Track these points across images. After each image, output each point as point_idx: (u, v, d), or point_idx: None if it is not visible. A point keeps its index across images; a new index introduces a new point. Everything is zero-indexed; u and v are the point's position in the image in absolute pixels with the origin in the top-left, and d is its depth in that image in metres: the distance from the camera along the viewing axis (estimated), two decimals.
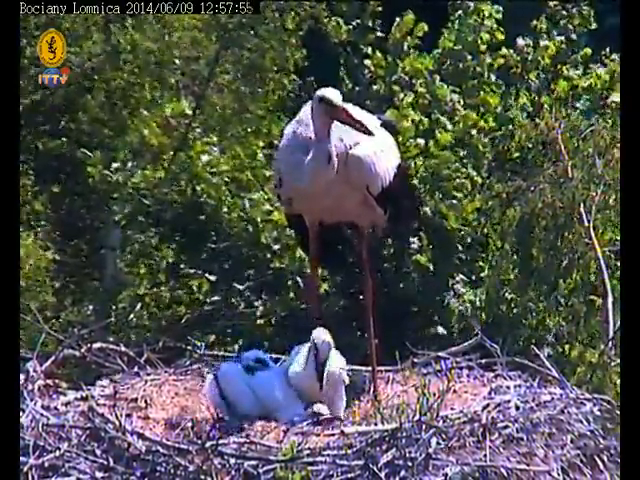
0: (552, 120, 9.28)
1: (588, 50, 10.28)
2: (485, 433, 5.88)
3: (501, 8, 10.24)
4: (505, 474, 5.76)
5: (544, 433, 6.06)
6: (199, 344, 7.32)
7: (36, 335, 7.14)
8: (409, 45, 10.15)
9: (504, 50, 10.14)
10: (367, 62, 10.23)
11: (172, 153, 10.07)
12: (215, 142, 9.92)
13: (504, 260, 9.06)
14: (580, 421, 6.22)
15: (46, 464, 5.86)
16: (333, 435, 5.94)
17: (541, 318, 8.95)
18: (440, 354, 7.11)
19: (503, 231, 9.15)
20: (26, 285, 10.18)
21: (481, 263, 9.38)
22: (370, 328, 6.77)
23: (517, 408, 6.14)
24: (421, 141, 9.37)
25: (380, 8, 10.62)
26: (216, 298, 9.54)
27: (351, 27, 10.55)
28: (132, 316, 9.83)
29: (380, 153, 6.52)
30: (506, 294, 9.05)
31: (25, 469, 5.82)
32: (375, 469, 5.65)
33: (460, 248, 9.38)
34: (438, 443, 5.77)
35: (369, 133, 6.36)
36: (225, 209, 9.42)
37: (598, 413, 6.32)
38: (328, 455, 5.72)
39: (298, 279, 9.35)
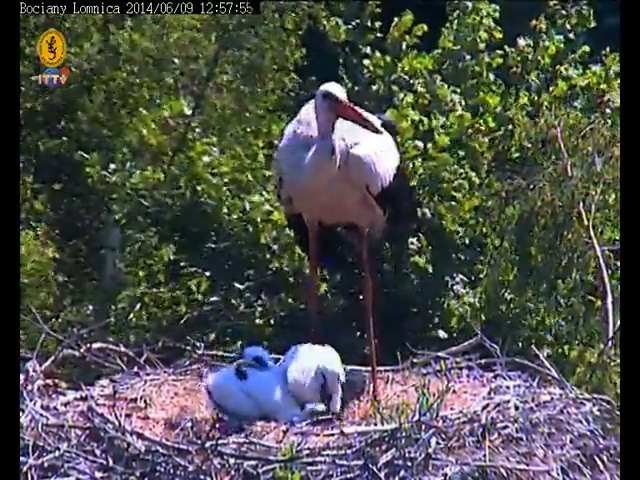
0: (551, 118, 9.28)
1: (586, 48, 10.28)
2: (485, 433, 5.88)
3: (498, 7, 10.24)
4: (505, 474, 5.76)
5: (544, 433, 6.06)
6: (198, 344, 7.31)
7: (36, 335, 7.14)
8: (408, 45, 10.15)
9: (499, 51, 10.13)
10: (366, 62, 10.23)
11: (171, 153, 10.06)
12: (215, 142, 9.92)
13: (503, 259, 9.06)
14: (580, 421, 6.23)
15: (46, 464, 5.86)
16: (332, 435, 5.94)
17: (540, 318, 8.95)
18: (440, 354, 7.11)
19: (502, 230, 9.15)
20: (29, 282, 10.20)
21: (480, 266, 9.37)
22: (370, 328, 6.76)
23: (517, 408, 6.15)
24: (419, 143, 9.36)
25: (379, 8, 10.61)
26: (216, 298, 9.53)
27: (350, 27, 10.54)
28: (131, 316, 9.82)
29: (380, 153, 6.52)
30: (505, 294, 9.05)
31: (25, 469, 5.82)
32: (375, 469, 5.65)
33: (459, 249, 9.37)
34: (438, 443, 5.77)
35: (375, 130, 6.36)
36: (225, 209, 9.42)
37: (598, 413, 6.33)
38: (327, 455, 5.73)
39: (298, 279, 9.35)
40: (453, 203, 9.24)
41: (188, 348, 7.27)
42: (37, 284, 10.48)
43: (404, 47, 10.15)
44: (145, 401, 6.60)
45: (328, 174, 6.31)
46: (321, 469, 5.67)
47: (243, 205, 9.41)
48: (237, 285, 9.46)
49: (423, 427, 5.78)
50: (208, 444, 5.72)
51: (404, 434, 5.74)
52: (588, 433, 6.18)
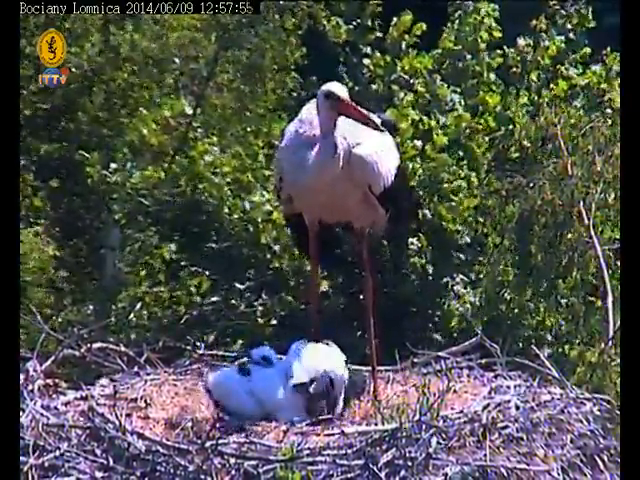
0: (551, 116, 9.27)
1: (588, 50, 10.28)
2: (485, 433, 5.88)
3: (497, 7, 10.24)
4: (505, 474, 5.76)
5: (544, 433, 6.06)
6: (199, 344, 7.32)
7: (36, 335, 7.14)
8: (407, 44, 10.15)
9: (500, 50, 10.13)
10: (366, 62, 10.23)
11: (172, 153, 10.06)
12: (215, 142, 9.92)
13: (502, 257, 9.05)
14: (580, 421, 6.22)
15: (46, 464, 5.86)
16: (333, 435, 5.94)
17: (541, 318, 8.95)
18: (440, 354, 7.11)
19: (502, 228, 9.15)
20: (30, 280, 10.21)
21: (479, 266, 9.37)
22: (370, 328, 6.76)
23: (517, 408, 6.14)
24: (418, 143, 9.35)
25: (379, 8, 10.61)
26: (216, 298, 9.53)
27: (350, 27, 10.55)
28: (132, 316, 9.83)
29: (381, 153, 6.52)
30: (505, 294, 9.05)
31: (25, 469, 5.82)
32: (375, 469, 5.65)
33: (459, 249, 9.37)
34: (438, 443, 5.77)
35: (377, 128, 6.37)
36: (226, 209, 9.42)
37: (598, 413, 6.32)
38: (328, 455, 5.72)
39: (298, 279, 9.35)
40: (453, 204, 9.24)
41: (188, 348, 7.27)
42: (38, 282, 10.49)
43: (404, 47, 10.15)
44: (145, 401, 6.60)
45: (332, 173, 6.31)
46: (321, 469, 5.66)
47: (244, 205, 9.41)
48: (238, 285, 9.47)
49: (424, 427, 5.78)
50: (208, 444, 5.72)
51: (405, 434, 5.74)
52: (588, 433, 6.18)
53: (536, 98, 10.03)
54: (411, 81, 9.93)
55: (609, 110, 9.79)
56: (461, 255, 9.36)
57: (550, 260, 8.91)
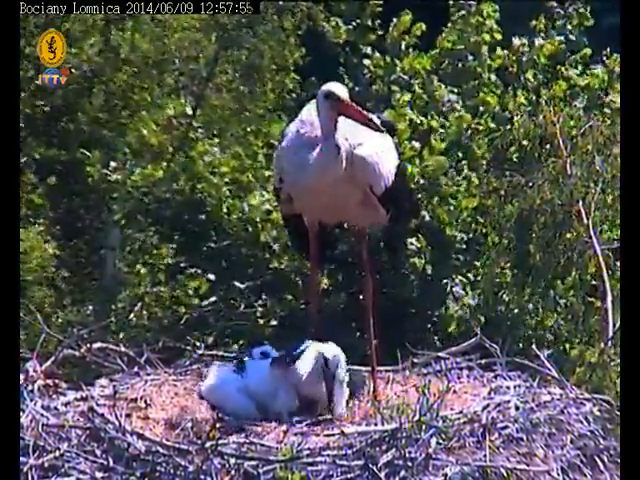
0: (550, 115, 9.27)
1: (588, 50, 10.28)
2: (485, 433, 5.88)
3: (497, 7, 10.24)
4: (505, 474, 5.76)
5: (544, 433, 6.06)
6: (199, 344, 7.32)
7: (36, 335, 7.14)
8: (407, 44, 10.15)
9: (499, 51, 10.12)
10: (366, 62, 10.22)
11: (172, 153, 10.06)
12: (215, 143, 9.92)
13: (501, 257, 9.05)
14: (580, 421, 6.23)
15: (46, 464, 5.87)
16: (333, 435, 5.95)
17: (540, 318, 8.95)
18: (440, 354, 7.11)
19: (501, 228, 9.14)
20: (31, 278, 10.21)
21: (478, 265, 9.36)
22: (370, 328, 6.76)
23: (517, 408, 6.15)
24: (416, 144, 9.35)
25: (379, 8, 10.61)
26: (216, 298, 9.53)
27: (350, 27, 10.55)
28: (132, 316, 9.83)
29: (382, 153, 6.52)
30: (504, 294, 9.05)
31: (25, 469, 5.82)
32: (375, 469, 5.65)
33: (458, 250, 9.36)
34: (438, 443, 5.78)
35: (377, 129, 6.36)
36: (225, 209, 9.41)
37: (598, 413, 6.33)
38: (328, 455, 5.73)
39: (298, 278, 9.35)
40: (451, 207, 9.22)
41: (188, 348, 7.28)
42: (39, 281, 10.49)
43: (403, 47, 10.15)
44: (145, 401, 6.60)
45: (333, 174, 6.30)
46: (321, 469, 5.67)
47: (243, 205, 9.40)
48: (237, 285, 9.46)
49: (423, 427, 5.79)
50: (208, 444, 5.72)
51: (404, 434, 5.75)
52: (588, 433, 6.18)
53: (534, 98, 10.02)
54: (411, 81, 9.92)
55: (608, 110, 9.79)
56: (460, 256, 9.35)
57: (549, 260, 8.91)
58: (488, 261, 9.17)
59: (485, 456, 5.78)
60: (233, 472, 5.69)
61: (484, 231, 9.35)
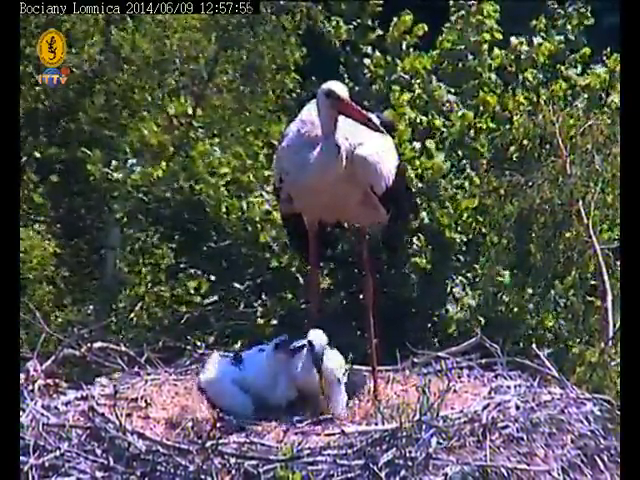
0: (550, 114, 9.27)
1: (588, 50, 10.27)
2: (485, 433, 5.89)
3: (498, 7, 10.23)
4: (505, 474, 5.77)
5: (544, 433, 6.06)
6: (199, 343, 7.33)
7: (36, 335, 7.15)
8: (408, 44, 10.14)
9: (497, 50, 10.11)
10: (367, 62, 10.22)
11: (172, 153, 10.06)
12: (216, 143, 9.92)
13: (500, 256, 9.05)
14: (580, 421, 6.23)
15: (46, 464, 5.87)
16: (333, 435, 5.95)
17: (540, 317, 8.95)
18: (440, 354, 7.12)
19: (500, 227, 9.13)
20: (32, 277, 10.21)
21: (478, 268, 9.35)
22: (370, 328, 6.77)
23: (517, 408, 6.15)
24: (417, 144, 9.34)
25: (379, 8, 10.61)
26: (216, 298, 9.53)
27: (351, 27, 10.54)
28: (132, 315, 9.83)
29: (382, 153, 6.52)
30: (504, 294, 9.04)
31: (25, 469, 5.83)
32: (375, 469, 5.65)
33: (458, 251, 9.35)
34: (438, 443, 5.78)
35: (376, 129, 6.36)
36: (224, 209, 9.41)
37: (598, 413, 6.33)
38: (328, 455, 5.73)
39: (298, 278, 9.34)
40: (450, 210, 9.21)
41: (189, 348, 7.28)
42: (39, 280, 10.50)
43: (404, 47, 10.14)
44: (146, 401, 6.60)
45: (334, 173, 6.30)
46: (322, 469, 5.67)
47: (242, 204, 9.40)
48: (237, 285, 9.46)
49: (424, 427, 5.79)
50: (209, 444, 5.73)
51: (405, 434, 5.75)
52: (588, 433, 6.19)
53: (534, 97, 10.01)
54: (411, 81, 9.92)
55: (608, 110, 9.78)
56: (460, 257, 9.34)
57: (549, 259, 8.90)
58: (488, 261, 9.16)
59: (485, 456, 5.78)
60: (233, 472, 5.69)
61: (483, 230, 9.35)
